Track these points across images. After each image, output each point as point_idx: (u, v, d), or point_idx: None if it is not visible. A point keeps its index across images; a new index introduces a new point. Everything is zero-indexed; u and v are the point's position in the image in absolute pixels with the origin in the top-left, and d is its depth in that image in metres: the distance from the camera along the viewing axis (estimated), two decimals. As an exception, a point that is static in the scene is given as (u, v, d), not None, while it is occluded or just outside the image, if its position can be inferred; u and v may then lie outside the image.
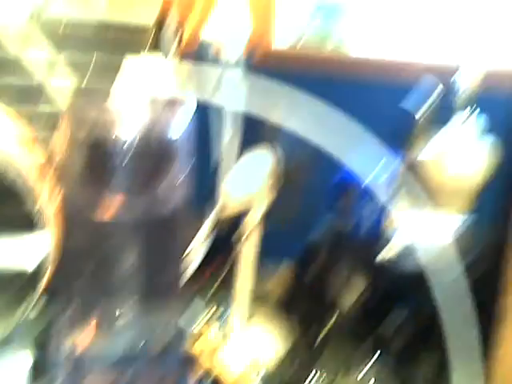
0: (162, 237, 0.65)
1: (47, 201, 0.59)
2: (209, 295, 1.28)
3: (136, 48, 0.71)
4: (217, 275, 2.25)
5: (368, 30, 2.71)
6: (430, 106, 2.31)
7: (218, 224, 2.43)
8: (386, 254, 2.03)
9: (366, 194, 2.10)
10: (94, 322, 0.68)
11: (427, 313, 2.07)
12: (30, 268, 0.58)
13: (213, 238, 2.40)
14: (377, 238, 2.06)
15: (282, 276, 2.98)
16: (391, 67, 2.52)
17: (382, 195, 2.14)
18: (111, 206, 0.60)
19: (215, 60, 0.75)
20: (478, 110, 2.11)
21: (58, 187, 0.61)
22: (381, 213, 2.13)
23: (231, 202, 2.19)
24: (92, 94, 0.70)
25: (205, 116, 0.79)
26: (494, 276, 2.08)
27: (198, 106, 0.75)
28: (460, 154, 2.12)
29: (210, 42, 0.75)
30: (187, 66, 0.75)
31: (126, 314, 0.69)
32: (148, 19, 0.72)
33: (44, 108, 0.69)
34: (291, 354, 2.22)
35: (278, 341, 2.63)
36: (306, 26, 2.96)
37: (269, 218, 2.38)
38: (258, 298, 2.90)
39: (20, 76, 0.68)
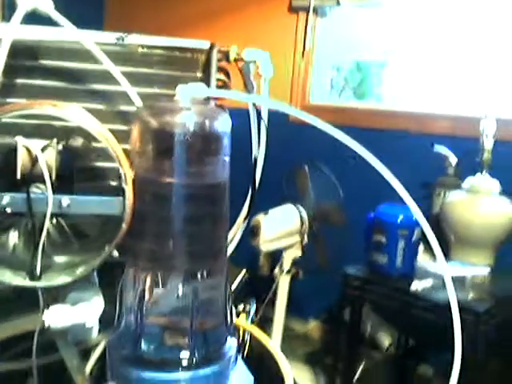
0: (209, 202, 0.84)
1: (127, 173, 0.79)
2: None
3: (194, 65, 0.94)
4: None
5: (402, 84, 2.93)
6: (458, 159, 2.45)
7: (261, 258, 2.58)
8: (419, 285, 2.14)
9: (400, 231, 2.24)
10: (153, 276, 0.86)
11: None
12: (117, 212, 0.76)
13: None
14: (411, 270, 2.18)
15: (320, 317, 3.07)
16: (423, 119, 2.70)
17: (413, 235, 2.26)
18: (172, 174, 0.80)
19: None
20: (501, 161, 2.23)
21: (132, 165, 0.82)
22: (413, 248, 2.25)
23: (266, 238, 2.35)
24: (157, 98, 0.93)
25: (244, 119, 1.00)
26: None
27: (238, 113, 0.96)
28: (484, 206, 2.23)
29: (252, 61, 0.97)
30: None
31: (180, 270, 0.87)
32: (204, 44, 0.96)
33: (124, 108, 0.91)
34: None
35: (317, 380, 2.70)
36: (342, 80, 3.20)
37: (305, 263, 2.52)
38: (297, 338, 3.00)
39: (107, 83, 0.90)
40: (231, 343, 0.90)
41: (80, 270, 0.81)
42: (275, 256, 2.54)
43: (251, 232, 2.39)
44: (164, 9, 3.33)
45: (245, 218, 1.04)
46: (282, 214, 2.44)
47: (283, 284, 2.52)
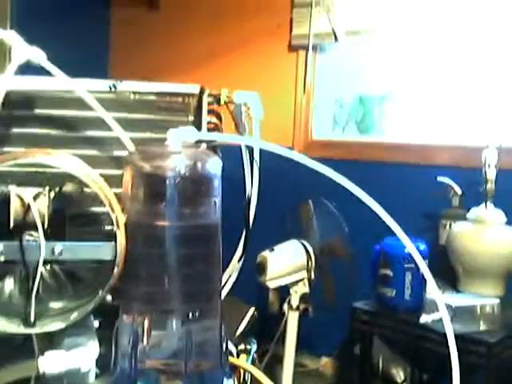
0: (201, 243, 0.85)
1: (119, 217, 0.81)
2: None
3: (185, 109, 0.96)
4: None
5: (404, 116, 2.95)
6: (461, 189, 2.44)
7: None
8: (429, 317, 2.11)
9: (406, 264, 2.22)
10: (148, 319, 0.86)
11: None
12: (109, 257, 0.77)
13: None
14: (420, 303, 2.16)
15: (332, 353, 3.03)
16: (426, 151, 2.71)
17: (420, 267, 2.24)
18: (164, 217, 0.81)
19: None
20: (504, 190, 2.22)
21: (124, 209, 0.83)
22: (421, 280, 2.23)
23: (273, 275, 2.34)
24: (150, 142, 0.95)
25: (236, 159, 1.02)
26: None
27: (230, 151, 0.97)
28: (490, 236, 2.22)
29: (242, 103, 0.99)
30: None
31: (174, 312, 0.87)
32: (194, 88, 0.98)
33: (117, 153, 0.93)
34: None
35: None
36: (345, 115, 3.23)
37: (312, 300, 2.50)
38: (309, 375, 2.95)
39: (100, 129, 0.93)
40: (228, 384, 0.90)
41: (74, 316, 0.82)
42: (285, 293, 2.53)
43: (258, 269, 2.38)
44: (169, 51, 3.41)
45: (240, 258, 1.05)
46: (288, 249, 2.43)
47: (292, 320, 2.49)
